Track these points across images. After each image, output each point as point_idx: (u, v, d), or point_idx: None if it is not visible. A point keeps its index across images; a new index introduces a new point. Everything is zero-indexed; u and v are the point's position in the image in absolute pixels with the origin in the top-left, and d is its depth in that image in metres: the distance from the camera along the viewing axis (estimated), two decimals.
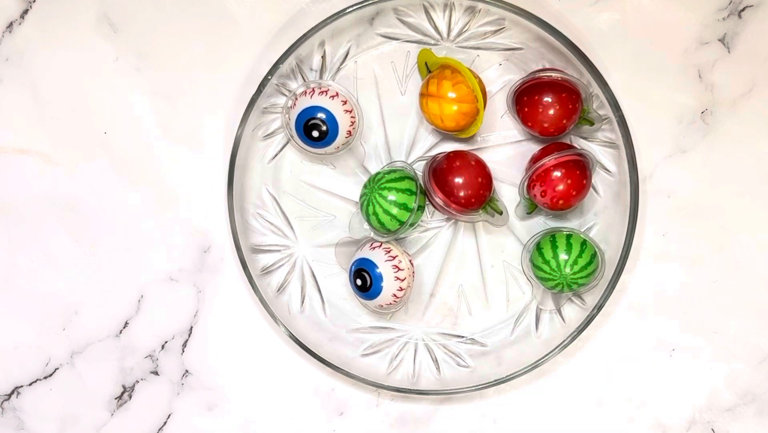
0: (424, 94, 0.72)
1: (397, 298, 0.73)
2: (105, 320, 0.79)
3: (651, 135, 0.76)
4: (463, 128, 0.73)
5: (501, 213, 0.73)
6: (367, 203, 0.72)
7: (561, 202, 0.72)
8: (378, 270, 0.72)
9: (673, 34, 0.76)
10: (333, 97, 0.72)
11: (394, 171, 0.72)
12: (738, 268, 0.77)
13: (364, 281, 0.72)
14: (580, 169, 0.71)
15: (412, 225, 0.73)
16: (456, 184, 0.71)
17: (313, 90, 0.72)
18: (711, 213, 0.77)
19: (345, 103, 0.72)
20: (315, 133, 0.72)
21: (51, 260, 0.78)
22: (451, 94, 0.71)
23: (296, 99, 0.72)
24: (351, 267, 0.74)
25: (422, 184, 0.73)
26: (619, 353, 0.77)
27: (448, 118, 0.71)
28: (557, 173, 0.71)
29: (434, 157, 0.73)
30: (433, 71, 0.73)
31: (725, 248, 0.77)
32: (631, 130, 0.72)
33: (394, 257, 0.73)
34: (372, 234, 0.74)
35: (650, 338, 0.77)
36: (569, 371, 0.78)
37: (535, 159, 0.73)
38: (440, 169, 0.71)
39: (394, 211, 0.71)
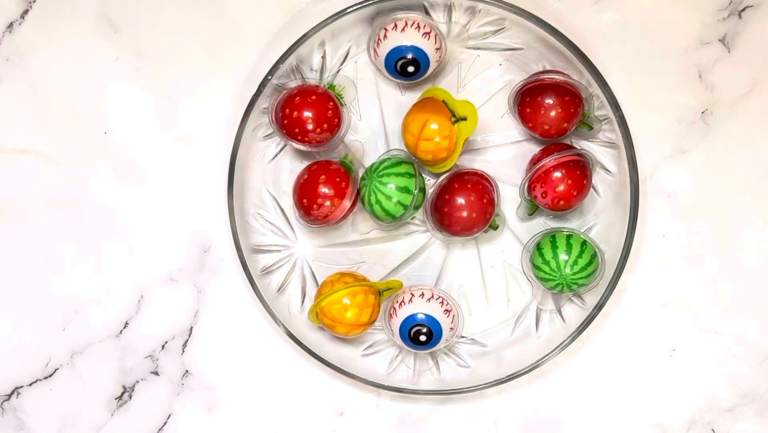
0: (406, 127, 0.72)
1: (447, 340, 0.74)
2: (105, 320, 0.79)
3: (651, 135, 0.76)
4: (440, 162, 0.72)
5: (497, 228, 0.74)
6: (368, 194, 0.72)
7: (562, 202, 0.72)
8: (438, 324, 0.72)
9: (673, 34, 0.76)
10: (426, 34, 0.71)
11: (389, 159, 0.72)
12: (738, 268, 0.77)
13: (428, 336, 0.72)
14: (580, 170, 0.71)
15: (416, 208, 0.73)
16: (458, 206, 0.71)
17: (405, 24, 0.71)
18: (711, 213, 0.77)
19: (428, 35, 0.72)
20: (410, 69, 0.71)
21: (51, 260, 0.78)
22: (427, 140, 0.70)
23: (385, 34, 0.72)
24: (403, 323, 0.73)
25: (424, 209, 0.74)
26: (619, 353, 0.77)
27: (423, 153, 0.71)
28: (557, 174, 0.71)
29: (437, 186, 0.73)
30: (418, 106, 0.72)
31: (725, 248, 0.77)
32: (631, 130, 0.72)
33: (443, 302, 0.73)
34: (374, 229, 0.75)
35: (650, 338, 0.77)
36: (569, 371, 0.78)
37: (535, 160, 0.73)
38: (442, 200, 0.72)
39: (397, 195, 0.71)
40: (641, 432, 0.78)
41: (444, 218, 0.72)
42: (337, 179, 0.71)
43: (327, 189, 0.71)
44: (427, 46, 0.71)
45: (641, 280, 0.77)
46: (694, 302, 0.77)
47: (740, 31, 0.76)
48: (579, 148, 0.73)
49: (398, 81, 0.75)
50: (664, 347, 0.77)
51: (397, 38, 0.71)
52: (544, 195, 0.72)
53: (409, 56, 0.71)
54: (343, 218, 0.73)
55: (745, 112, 0.76)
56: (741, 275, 0.77)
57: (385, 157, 0.73)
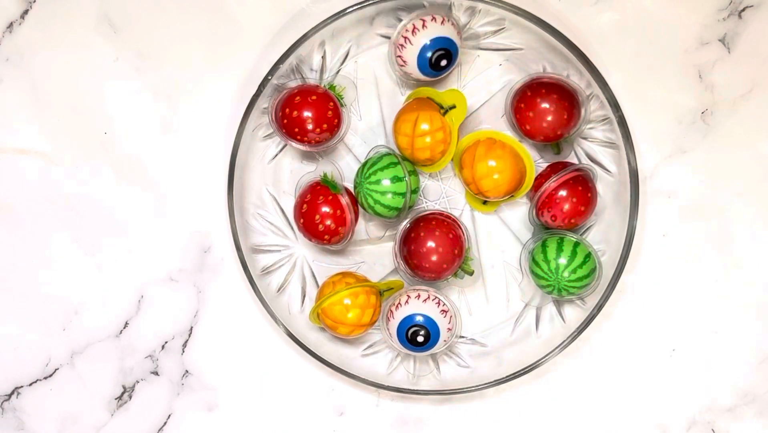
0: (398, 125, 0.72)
1: (446, 341, 0.73)
2: (105, 320, 0.79)
3: (651, 135, 0.76)
4: (438, 156, 0.72)
5: (472, 273, 0.74)
6: (363, 199, 0.72)
7: (573, 220, 0.72)
8: (436, 324, 0.72)
9: (673, 34, 0.76)
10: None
11: (371, 158, 0.72)
12: (738, 268, 0.77)
13: (426, 337, 0.72)
14: (582, 185, 0.71)
15: (414, 192, 0.72)
16: (428, 250, 0.71)
17: (444, 19, 0.70)
18: (711, 213, 0.77)
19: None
20: (443, 62, 0.71)
21: (51, 260, 0.78)
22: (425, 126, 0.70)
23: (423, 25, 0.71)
24: (400, 324, 0.73)
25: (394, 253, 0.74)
26: (619, 353, 0.77)
27: (420, 151, 0.71)
28: (562, 193, 0.71)
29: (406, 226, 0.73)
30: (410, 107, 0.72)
31: (725, 248, 0.77)
32: (631, 130, 0.72)
33: (439, 303, 0.73)
34: (387, 230, 0.76)
35: (650, 338, 0.77)
36: (569, 371, 0.78)
37: (536, 188, 0.73)
38: (409, 238, 0.72)
39: (390, 188, 0.71)
40: (641, 432, 0.78)
41: (412, 257, 0.71)
42: (332, 210, 0.72)
43: (329, 222, 0.72)
44: (458, 40, 0.71)
45: (641, 280, 0.77)
46: (694, 302, 0.77)
47: (740, 31, 0.76)
48: (577, 163, 0.73)
49: (427, 78, 0.73)
50: (664, 347, 0.77)
51: (436, 30, 0.70)
52: (553, 218, 0.72)
53: (445, 50, 0.70)
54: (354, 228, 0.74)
55: (745, 112, 0.76)
56: (741, 274, 0.77)
57: (368, 158, 0.73)
